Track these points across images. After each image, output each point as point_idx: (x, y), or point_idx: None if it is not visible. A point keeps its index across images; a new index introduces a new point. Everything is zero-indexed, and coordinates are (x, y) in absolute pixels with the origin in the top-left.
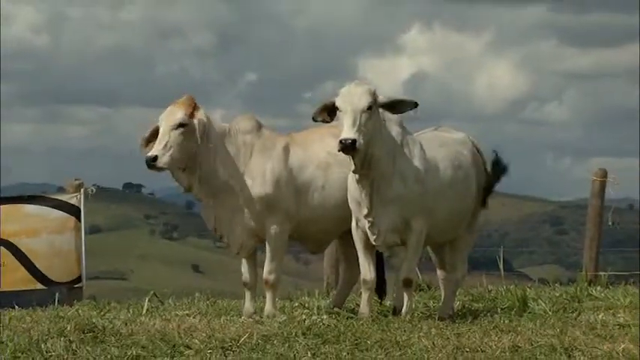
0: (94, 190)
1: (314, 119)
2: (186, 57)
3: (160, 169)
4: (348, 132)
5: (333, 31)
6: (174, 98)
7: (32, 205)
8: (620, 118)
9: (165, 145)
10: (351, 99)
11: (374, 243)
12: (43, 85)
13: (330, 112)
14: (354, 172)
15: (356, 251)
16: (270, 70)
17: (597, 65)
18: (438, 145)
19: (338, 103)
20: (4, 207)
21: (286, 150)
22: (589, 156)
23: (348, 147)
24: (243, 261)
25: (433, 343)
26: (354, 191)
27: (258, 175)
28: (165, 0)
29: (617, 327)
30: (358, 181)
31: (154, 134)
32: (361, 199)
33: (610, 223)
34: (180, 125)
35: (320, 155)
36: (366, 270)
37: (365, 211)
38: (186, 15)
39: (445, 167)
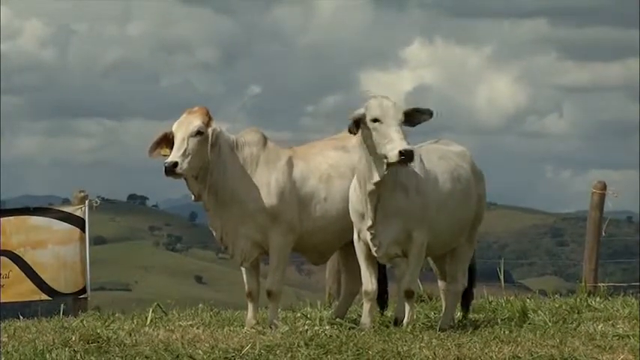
0: (98, 202)
1: (350, 132)
2: (191, 71)
3: (179, 175)
4: (402, 142)
5: (336, 45)
6: (179, 111)
7: (37, 217)
8: (619, 131)
9: (184, 152)
10: (388, 111)
11: (375, 255)
12: (50, 98)
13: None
14: (376, 184)
15: (357, 262)
16: (273, 84)
17: (596, 79)
18: (437, 158)
19: (376, 114)
20: (10, 219)
21: (290, 162)
22: (588, 168)
23: (410, 156)
24: (246, 272)
25: (434, 353)
26: (356, 203)
27: (264, 187)
28: (171, 15)
29: (617, 338)
30: (370, 194)
31: (160, 141)
32: (366, 210)
33: (603, 233)
34: (198, 133)
35: (321, 168)
36: (368, 281)
37: (369, 223)
38: (191, 30)
39: (445, 180)
